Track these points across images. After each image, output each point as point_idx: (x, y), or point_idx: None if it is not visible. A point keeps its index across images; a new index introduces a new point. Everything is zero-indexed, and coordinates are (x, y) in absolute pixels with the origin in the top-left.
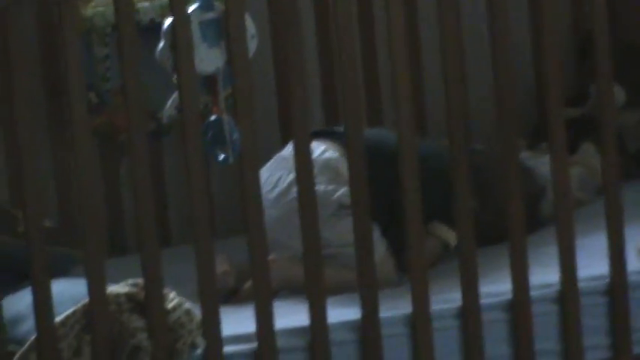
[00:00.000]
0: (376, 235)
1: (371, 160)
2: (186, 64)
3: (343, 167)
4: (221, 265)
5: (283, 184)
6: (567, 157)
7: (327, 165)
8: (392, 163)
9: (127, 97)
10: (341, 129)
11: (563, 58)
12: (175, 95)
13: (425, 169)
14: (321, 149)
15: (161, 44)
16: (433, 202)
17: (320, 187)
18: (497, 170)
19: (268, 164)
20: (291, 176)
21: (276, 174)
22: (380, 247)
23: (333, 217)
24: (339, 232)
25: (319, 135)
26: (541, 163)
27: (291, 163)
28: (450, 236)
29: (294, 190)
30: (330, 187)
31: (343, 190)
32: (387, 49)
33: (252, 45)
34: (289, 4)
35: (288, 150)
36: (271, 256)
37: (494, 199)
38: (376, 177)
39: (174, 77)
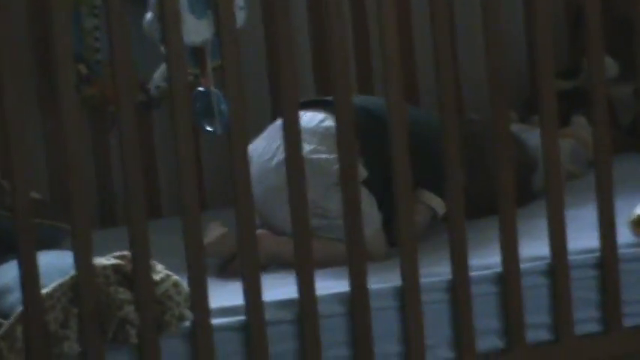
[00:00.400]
0: (374, 209)
1: (367, 131)
2: (174, 35)
3: None
4: (217, 230)
5: (282, 154)
6: (558, 129)
7: (327, 134)
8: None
9: (115, 69)
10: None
11: (556, 29)
12: (163, 67)
13: (413, 136)
14: (319, 118)
15: (149, 15)
16: (421, 169)
17: (322, 157)
18: (491, 140)
19: (264, 134)
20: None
21: (274, 143)
22: (376, 221)
23: (333, 186)
24: (338, 203)
25: (314, 104)
26: (533, 136)
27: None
28: (438, 204)
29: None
30: (332, 157)
31: None
32: (377, 17)
33: (241, 16)
34: None
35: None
36: (260, 230)
37: (487, 168)
38: (372, 148)
39: (163, 49)
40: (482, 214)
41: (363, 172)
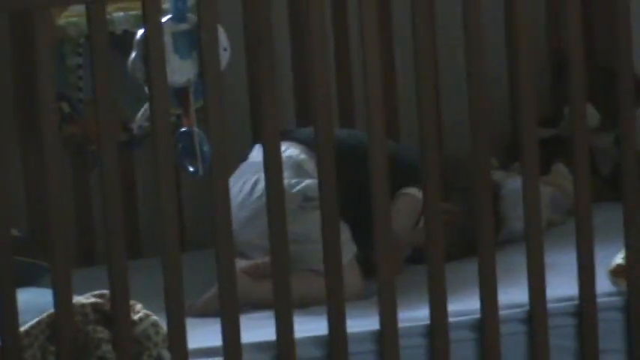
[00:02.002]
0: (345, 236)
1: (342, 160)
2: (158, 75)
3: (305, 163)
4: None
5: (247, 187)
6: (539, 177)
7: (289, 162)
8: (363, 163)
9: (98, 108)
10: (301, 130)
11: (539, 76)
12: (146, 106)
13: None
14: (281, 149)
15: (133, 55)
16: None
17: (283, 182)
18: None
19: (235, 174)
20: (255, 177)
21: (241, 179)
22: (348, 251)
23: (299, 209)
24: (306, 226)
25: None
26: (510, 184)
27: (254, 167)
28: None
29: (259, 187)
30: (294, 181)
31: (307, 182)
32: (361, 57)
33: (225, 57)
34: (262, 17)
35: (254, 154)
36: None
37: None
38: (345, 176)
39: (146, 88)
40: (461, 256)
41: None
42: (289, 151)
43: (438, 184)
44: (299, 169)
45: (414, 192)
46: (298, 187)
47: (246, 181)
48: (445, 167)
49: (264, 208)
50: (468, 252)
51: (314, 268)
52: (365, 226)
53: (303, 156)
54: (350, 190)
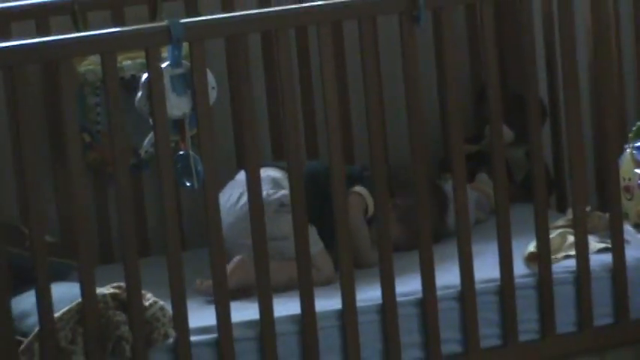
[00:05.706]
0: (312, 234)
1: (308, 185)
2: (160, 110)
3: (282, 180)
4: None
5: (233, 199)
6: (466, 184)
7: (269, 178)
8: (324, 185)
9: (112, 138)
10: (281, 164)
11: (464, 103)
12: (151, 135)
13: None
14: (267, 172)
15: (139, 94)
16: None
17: (263, 192)
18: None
19: (230, 184)
20: (239, 190)
21: (228, 193)
22: (316, 244)
23: (275, 213)
24: (281, 226)
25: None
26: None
27: (240, 183)
28: (370, 201)
29: (243, 199)
30: (272, 191)
31: (283, 192)
32: (321, 97)
33: (213, 94)
34: (242, 63)
35: (239, 175)
36: (240, 257)
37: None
38: (312, 195)
39: (151, 121)
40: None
41: None
42: (269, 171)
43: (386, 194)
44: (276, 183)
45: (360, 190)
46: (275, 196)
47: (232, 194)
48: (390, 173)
49: (246, 214)
50: (414, 244)
51: (291, 257)
52: (327, 227)
53: (279, 175)
54: (315, 204)
